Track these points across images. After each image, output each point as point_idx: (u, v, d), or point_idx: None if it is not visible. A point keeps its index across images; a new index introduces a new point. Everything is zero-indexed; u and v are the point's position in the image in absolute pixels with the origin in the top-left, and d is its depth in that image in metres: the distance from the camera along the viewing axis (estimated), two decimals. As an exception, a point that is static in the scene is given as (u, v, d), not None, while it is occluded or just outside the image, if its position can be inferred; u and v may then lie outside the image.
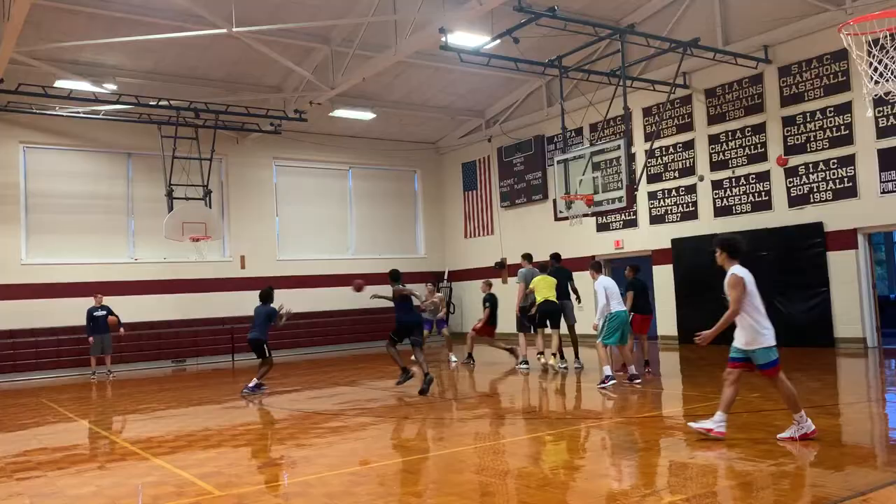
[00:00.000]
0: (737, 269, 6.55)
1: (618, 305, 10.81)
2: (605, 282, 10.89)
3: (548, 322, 13.05)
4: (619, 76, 14.34)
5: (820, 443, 6.49)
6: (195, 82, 18.17)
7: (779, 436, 6.60)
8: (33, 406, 12.08)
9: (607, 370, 10.62)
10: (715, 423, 6.70)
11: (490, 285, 15.12)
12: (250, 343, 12.25)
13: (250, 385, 11.96)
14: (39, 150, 18.40)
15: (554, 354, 12.99)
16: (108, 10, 14.50)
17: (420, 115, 21.86)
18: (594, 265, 11.83)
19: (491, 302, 14.59)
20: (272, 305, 12.41)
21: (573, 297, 13.58)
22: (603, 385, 10.52)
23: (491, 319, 14.56)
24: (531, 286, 13.06)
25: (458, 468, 6.33)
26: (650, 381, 11.19)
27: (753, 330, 6.54)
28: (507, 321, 15.51)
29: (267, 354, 12.11)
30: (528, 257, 14.21)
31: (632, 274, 12.21)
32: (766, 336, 6.54)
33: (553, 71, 15.95)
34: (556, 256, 14.11)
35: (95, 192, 18.97)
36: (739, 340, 6.65)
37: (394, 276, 11.36)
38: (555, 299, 12.81)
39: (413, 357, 11.47)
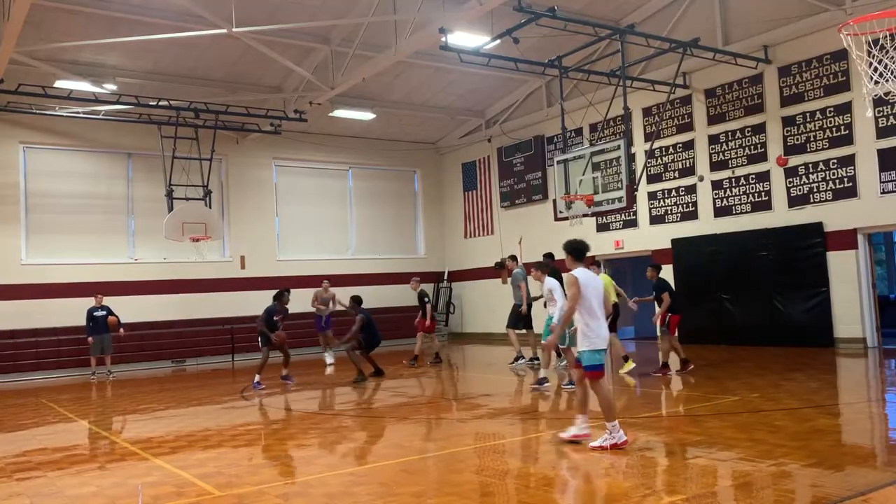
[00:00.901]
0: (576, 271, 6.81)
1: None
2: (553, 282, 10.51)
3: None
4: (619, 76, 14.34)
5: (819, 443, 6.49)
6: (195, 82, 18.17)
7: (591, 444, 6.65)
8: (33, 406, 12.08)
9: (568, 373, 10.35)
10: (579, 428, 6.90)
11: (419, 283, 15.52)
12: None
13: (283, 374, 13.12)
14: (39, 150, 18.40)
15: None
16: (108, 10, 14.50)
17: (420, 115, 21.86)
18: (540, 265, 11.31)
19: (428, 298, 15.05)
20: (275, 305, 13.10)
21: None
22: (570, 386, 10.22)
23: (430, 314, 14.98)
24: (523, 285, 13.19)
25: (458, 468, 6.33)
26: (669, 380, 11.19)
27: (582, 332, 6.79)
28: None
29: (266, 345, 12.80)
30: (514, 258, 14.63)
31: (655, 274, 11.87)
32: (593, 339, 6.74)
33: (553, 71, 15.95)
34: (549, 256, 14.11)
35: (95, 192, 18.97)
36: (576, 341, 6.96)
37: (357, 301, 13.32)
38: None
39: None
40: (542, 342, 10.48)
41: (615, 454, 6.40)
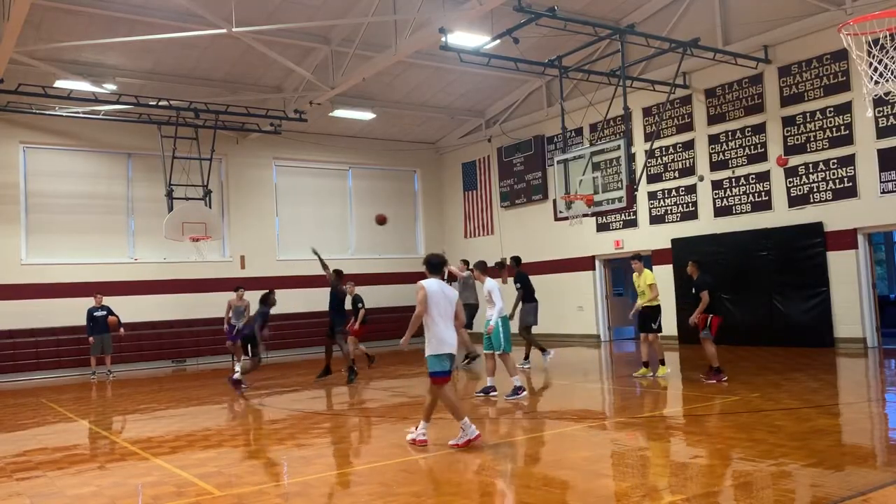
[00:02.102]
0: (425, 281, 7.31)
1: (505, 309, 10.57)
2: (492, 284, 10.41)
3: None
4: (619, 76, 14.34)
5: (819, 443, 6.49)
6: (195, 82, 18.17)
7: (450, 442, 6.97)
8: (33, 406, 12.08)
9: (517, 381, 10.14)
10: (417, 433, 7.19)
11: (354, 286, 15.03)
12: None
13: (234, 377, 12.37)
14: (39, 150, 18.40)
15: (543, 350, 13.57)
16: (108, 10, 14.49)
17: (420, 115, 21.85)
18: (478, 264, 11.06)
19: (362, 303, 14.61)
20: (267, 308, 12.73)
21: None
22: (516, 396, 9.99)
23: (362, 319, 14.57)
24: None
25: (458, 468, 6.33)
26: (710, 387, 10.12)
27: (427, 338, 7.20)
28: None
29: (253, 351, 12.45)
30: (466, 262, 14.65)
31: (696, 271, 10.84)
32: (436, 345, 7.12)
33: (553, 71, 15.94)
34: (516, 260, 14.20)
35: (95, 192, 18.97)
36: None
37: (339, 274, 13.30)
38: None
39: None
40: (497, 353, 10.42)
41: (470, 449, 6.83)
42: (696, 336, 16.74)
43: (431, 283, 7.29)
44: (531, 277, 14.13)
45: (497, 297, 10.23)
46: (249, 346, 12.47)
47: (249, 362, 12.60)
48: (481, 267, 10.96)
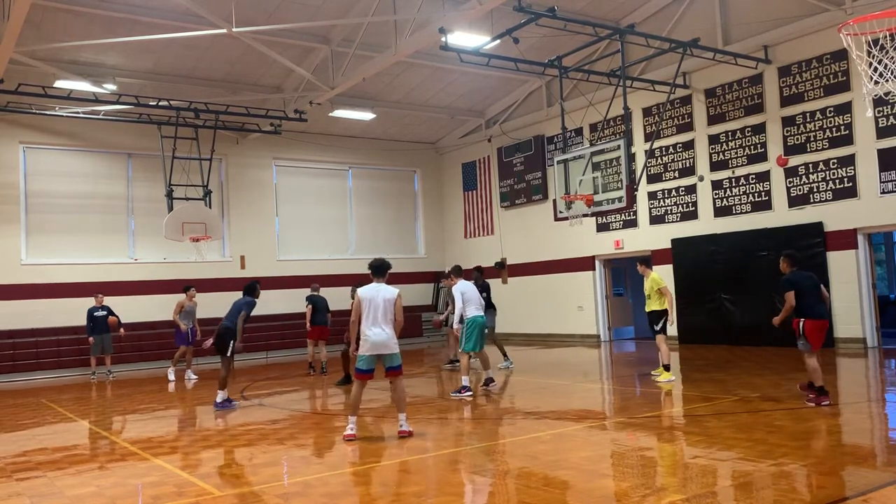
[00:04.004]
0: (360, 288, 7.92)
1: (475, 311, 10.75)
2: (463, 286, 10.94)
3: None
4: (619, 76, 14.34)
5: (819, 443, 6.48)
6: (195, 82, 18.17)
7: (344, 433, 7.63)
8: (33, 406, 12.08)
9: (465, 380, 10.51)
10: (349, 429, 7.70)
11: (318, 288, 14.91)
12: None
13: (218, 400, 10.59)
14: (39, 150, 18.40)
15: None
16: (108, 10, 14.49)
17: (420, 115, 21.85)
18: (454, 269, 11.67)
19: (312, 301, 14.45)
20: (252, 299, 10.95)
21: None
22: (458, 394, 10.40)
23: (315, 318, 14.41)
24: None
25: (458, 468, 6.33)
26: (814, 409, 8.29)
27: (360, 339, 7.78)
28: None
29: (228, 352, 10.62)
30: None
31: (787, 267, 8.84)
32: (361, 345, 7.73)
33: (553, 71, 15.94)
34: (478, 269, 14.72)
35: (95, 192, 18.97)
36: None
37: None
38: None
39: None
40: (460, 350, 11.08)
41: (347, 444, 7.47)
42: (696, 336, 16.98)
43: (364, 289, 7.84)
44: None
45: (458, 300, 10.84)
46: (226, 343, 10.53)
47: (224, 369, 10.63)
48: (455, 271, 11.57)
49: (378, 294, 7.73)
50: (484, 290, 13.00)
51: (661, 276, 11.70)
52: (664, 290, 11.22)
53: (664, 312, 11.21)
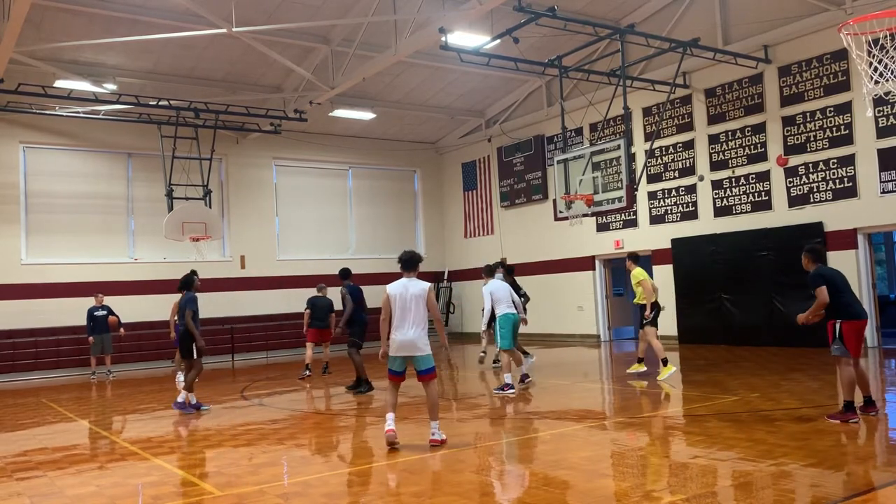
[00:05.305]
0: (389, 285, 7.50)
1: (506, 308, 10.88)
2: (493, 286, 11.07)
3: None
4: (619, 76, 14.34)
5: (819, 443, 6.48)
6: (195, 82, 18.17)
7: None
8: (33, 406, 12.08)
9: (508, 378, 10.67)
10: (388, 424, 7.32)
11: (324, 288, 14.83)
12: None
13: (179, 400, 10.29)
14: (39, 150, 18.40)
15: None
16: (108, 10, 14.49)
17: (420, 115, 21.86)
18: (485, 269, 12.00)
19: (312, 305, 14.37)
20: (193, 294, 10.48)
21: None
22: (501, 391, 10.60)
23: (313, 322, 14.27)
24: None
25: (458, 468, 6.33)
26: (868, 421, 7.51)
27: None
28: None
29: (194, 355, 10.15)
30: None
31: (809, 263, 7.82)
32: (390, 346, 7.38)
33: (553, 71, 15.95)
34: (505, 266, 14.75)
35: (95, 192, 18.97)
36: None
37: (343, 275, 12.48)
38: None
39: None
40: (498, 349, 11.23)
41: (388, 445, 7.26)
42: (696, 336, 16.98)
43: (392, 286, 7.44)
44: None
45: (486, 299, 10.97)
46: (187, 347, 10.19)
47: (192, 371, 10.33)
48: (487, 271, 11.90)
49: (407, 290, 7.32)
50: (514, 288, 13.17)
51: (643, 271, 11.92)
52: (642, 283, 11.56)
53: (651, 306, 11.58)
